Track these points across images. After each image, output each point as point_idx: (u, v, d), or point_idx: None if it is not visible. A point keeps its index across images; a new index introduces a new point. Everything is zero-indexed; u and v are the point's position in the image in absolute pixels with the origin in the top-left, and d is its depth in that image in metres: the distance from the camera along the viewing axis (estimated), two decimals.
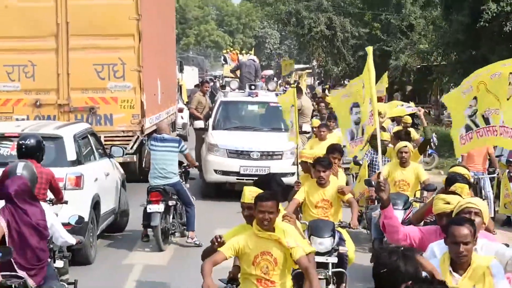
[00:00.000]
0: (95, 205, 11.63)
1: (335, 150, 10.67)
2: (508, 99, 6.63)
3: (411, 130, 17.47)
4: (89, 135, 12.69)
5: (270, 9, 42.10)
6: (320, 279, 8.32)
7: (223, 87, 23.94)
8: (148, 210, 12.44)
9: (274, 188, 7.23)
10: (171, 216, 12.93)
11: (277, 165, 16.76)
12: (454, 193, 7.07)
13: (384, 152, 13.16)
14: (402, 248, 4.84)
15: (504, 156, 15.82)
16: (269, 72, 73.89)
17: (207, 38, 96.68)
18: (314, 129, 15.60)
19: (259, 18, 78.67)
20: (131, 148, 16.49)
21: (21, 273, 7.00)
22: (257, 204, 6.56)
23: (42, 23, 16.47)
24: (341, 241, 9.41)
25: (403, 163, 11.72)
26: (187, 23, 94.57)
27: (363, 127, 8.65)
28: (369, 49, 7.65)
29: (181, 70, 32.03)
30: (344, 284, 9.44)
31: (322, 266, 9.03)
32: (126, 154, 14.95)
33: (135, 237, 13.24)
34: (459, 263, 5.68)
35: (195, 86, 30.55)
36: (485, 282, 5.60)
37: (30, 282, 7.04)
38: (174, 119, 23.76)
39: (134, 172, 17.54)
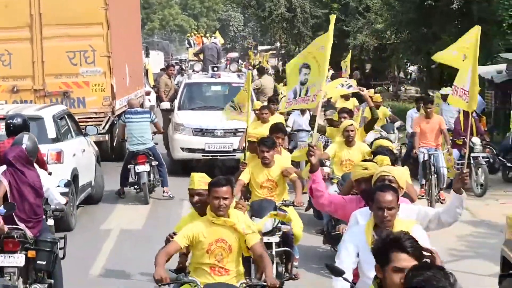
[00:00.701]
0: (74, 178, 12.95)
1: (279, 130, 10.83)
2: (463, 60, 7.13)
3: (383, 108, 18.55)
4: (66, 116, 14.06)
5: None
6: None
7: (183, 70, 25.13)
8: (137, 170, 15.06)
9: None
10: (153, 174, 15.43)
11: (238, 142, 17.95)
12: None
13: (324, 132, 13.47)
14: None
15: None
16: (234, 54, 74.73)
17: (172, 22, 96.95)
18: (256, 112, 15.32)
19: (222, 1, 79.54)
20: (103, 128, 17.71)
21: (21, 225, 8.38)
22: (212, 190, 6.43)
23: (17, 14, 17.56)
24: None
25: (349, 142, 11.50)
26: (151, 7, 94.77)
27: (308, 88, 7.87)
28: (332, 17, 7.63)
29: (147, 55, 33.21)
30: (290, 263, 9.52)
31: (265, 246, 8.42)
32: (99, 133, 16.31)
33: (111, 208, 14.67)
34: (383, 228, 5.82)
35: (161, 69, 31.75)
36: None
37: (29, 233, 8.41)
38: (142, 101, 24.98)
39: (106, 151, 18.79)
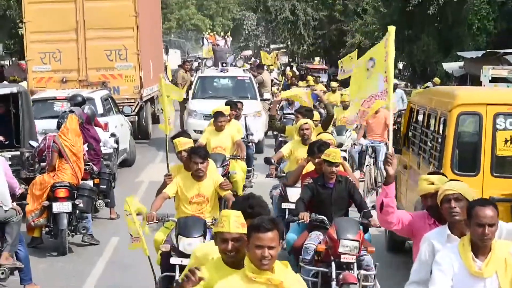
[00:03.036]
0: (116, 142, 17.53)
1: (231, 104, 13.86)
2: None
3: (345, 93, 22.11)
4: (109, 98, 18.75)
5: None
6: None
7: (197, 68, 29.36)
8: None
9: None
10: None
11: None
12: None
13: (283, 131, 14.15)
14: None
15: None
16: (248, 52, 78.37)
17: (188, 22, 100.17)
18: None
19: (235, 2, 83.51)
20: (133, 111, 22.34)
21: (90, 163, 12.93)
22: (254, 236, 4.91)
23: (65, 20, 22.06)
24: None
25: (305, 141, 11.27)
26: (168, 8, 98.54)
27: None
28: (391, 29, 6.95)
29: (166, 53, 37.89)
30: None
31: None
32: (129, 115, 20.99)
33: (142, 167, 19.35)
34: (481, 247, 5.38)
35: (179, 66, 36.37)
36: (507, 268, 5.35)
37: (95, 168, 12.99)
38: None
39: (134, 131, 23.33)
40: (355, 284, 8.06)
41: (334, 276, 8.17)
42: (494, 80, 15.12)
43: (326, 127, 13.20)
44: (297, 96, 15.57)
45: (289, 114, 19.54)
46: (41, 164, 12.83)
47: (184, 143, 9.07)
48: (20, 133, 13.31)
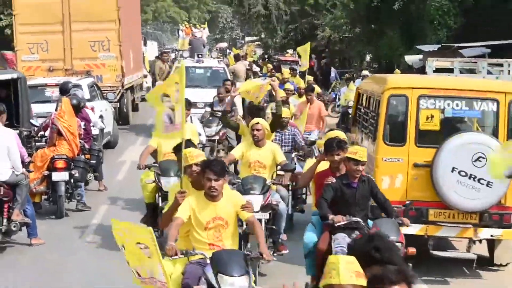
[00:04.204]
0: (101, 129, 19.33)
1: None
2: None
3: (316, 86, 23.70)
4: (94, 85, 20.57)
5: None
6: None
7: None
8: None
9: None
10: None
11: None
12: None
13: (236, 130, 12.33)
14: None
15: None
16: (223, 44, 79.93)
17: (164, 14, 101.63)
18: None
19: None
20: (115, 97, 24.13)
21: (82, 141, 14.67)
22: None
23: (52, 13, 23.72)
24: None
25: (256, 142, 10.53)
26: (144, 0, 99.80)
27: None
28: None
29: (145, 44, 39.66)
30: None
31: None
32: (112, 101, 22.81)
33: (122, 151, 21.18)
34: None
35: (156, 57, 38.18)
36: None
37: (86, 145, 14.76)
38: (142, 81, 31.52)
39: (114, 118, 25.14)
40: None
41: None
42: (437, 70, 16.97)
43: (274, 128, 11.55)
44: (249, 93, 12.12)
45: (218, 111, 17.06)
46: (37, 144, 14.75)
47: (196, 156, 7.70)
48: (20, 114, 15.10)
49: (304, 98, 17.69)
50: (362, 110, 12.25)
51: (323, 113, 17.04)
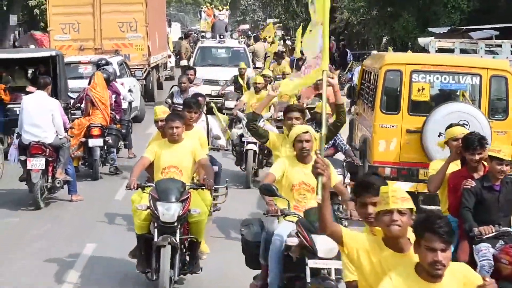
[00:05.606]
0: (129, 102, 20.85)
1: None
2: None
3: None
4: (123, 63, 22.14)
5: None
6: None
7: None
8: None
9: None
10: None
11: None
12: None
13: (264, 140, 8.86)
14: None
15: None
16: (245, 26, 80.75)
17: None
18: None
19: None
20: (142, 75, 25.64)
21: (113, 112, 16.21)
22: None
23: None
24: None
25: (303, 157, 7.68)
26: None
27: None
28: None
29: (169, 26, 41.23)
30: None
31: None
32: (140, 78, 24.37)
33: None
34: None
35: (179, 38, 39.75)
36: None
37: (117, 116, 16.26)
38: (166, 61, 33.06)
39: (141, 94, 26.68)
40: None
41: None
42: (440, 50, 18.36)
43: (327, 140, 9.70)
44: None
45: (179, 104, 13.27)
46: (72, 116, 16.35)
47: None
48: (58, 88, 16.64)
49: None
50: (365, 84, 13.74)
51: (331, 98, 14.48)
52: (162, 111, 10.07)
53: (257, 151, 14.43)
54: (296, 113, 8.33)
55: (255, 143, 14.10)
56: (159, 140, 9.30)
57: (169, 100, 14.81)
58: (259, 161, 14.77)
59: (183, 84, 14.56)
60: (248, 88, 19.42)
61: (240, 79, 21.10)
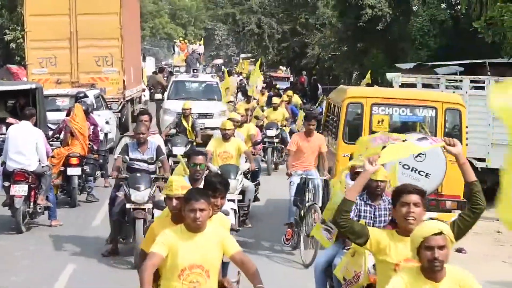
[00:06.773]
0: (106, 134, 21.55)
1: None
2: None
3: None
4: (100, 96, 22.89)
5: (211, 12, 52.12)
6: None
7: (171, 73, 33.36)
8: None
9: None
10: None
11: (209, 122, 24.45)
12: None
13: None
14: None
15: None
16: (219, 61, 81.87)
17: (161, 30, 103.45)
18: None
19: (206, 15, 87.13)
20: (117, 108, 26.34)
21: (90, 143, 16.94)
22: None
23: (61, 31, 25.88)
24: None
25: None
26: (143, 17, 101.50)
27: None
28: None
29: (144, 60, 42.06)
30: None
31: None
32: (115, 111, 25.09)
33: None
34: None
35: (153, 72, 40.52)
36: None
37: (95, 147, 16.97)
38: (140, 94, 33.81)
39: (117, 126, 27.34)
40: None
41: None
42: (402, 85, 19.23)
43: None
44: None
45: (137, 160, 12.09)
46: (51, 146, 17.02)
47: (182, 187, 6.82)
48: (37, 119, 17.23)
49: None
50: (330, 116, 14.58)
51: (323, 149, 13.20)
52: (181, 185, 6.82)
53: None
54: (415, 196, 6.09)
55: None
56: (172, 228, 6.39)
57: (126, 158, 11.94)
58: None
59: (141, 136, 11.97)
60: (193, 130, 18.02)
61: (184, 121, 18.36)
